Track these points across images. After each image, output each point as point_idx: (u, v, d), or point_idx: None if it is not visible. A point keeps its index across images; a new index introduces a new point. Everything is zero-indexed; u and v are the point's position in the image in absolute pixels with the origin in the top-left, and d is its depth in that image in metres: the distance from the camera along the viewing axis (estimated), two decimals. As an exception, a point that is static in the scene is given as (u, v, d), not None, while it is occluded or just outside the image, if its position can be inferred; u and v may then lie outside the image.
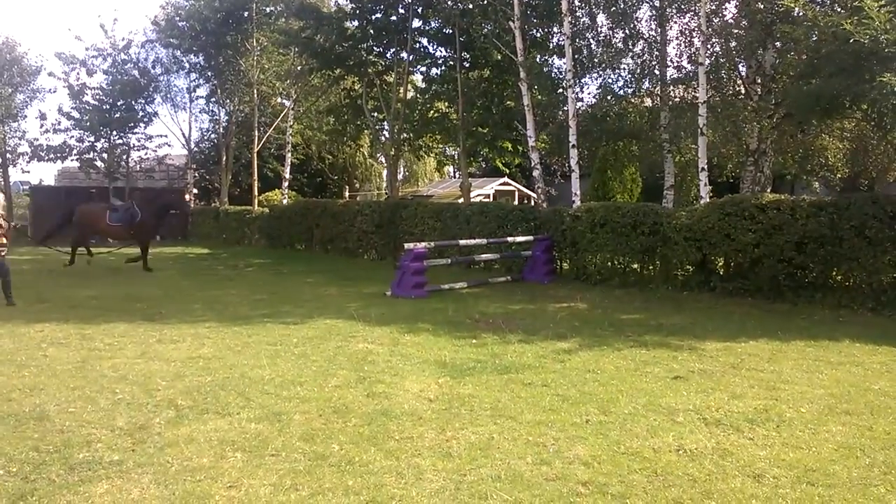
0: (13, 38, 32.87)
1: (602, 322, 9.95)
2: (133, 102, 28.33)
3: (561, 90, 17.28)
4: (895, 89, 9.35)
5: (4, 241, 11.06)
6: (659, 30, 16.20)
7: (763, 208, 11.56)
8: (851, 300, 10.82)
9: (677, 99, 16.40)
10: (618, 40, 16.66)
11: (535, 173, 17.35)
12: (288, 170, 27.06)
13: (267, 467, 4.57)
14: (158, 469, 4.53)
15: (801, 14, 11.21)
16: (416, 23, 21.34)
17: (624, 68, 16.88)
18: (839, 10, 11.08)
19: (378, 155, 36.84)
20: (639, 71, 16.63)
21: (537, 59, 18.65)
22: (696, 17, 14.48)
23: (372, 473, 4.48)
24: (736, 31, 14.03)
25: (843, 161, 16.55)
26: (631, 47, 16.53)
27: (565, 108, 16.60)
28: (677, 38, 16.13)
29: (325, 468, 4.55)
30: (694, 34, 14.92)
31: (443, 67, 22.10)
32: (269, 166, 32.27)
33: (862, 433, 5.26)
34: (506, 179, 35.33)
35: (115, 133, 28.49)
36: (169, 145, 30.94)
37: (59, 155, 28.43)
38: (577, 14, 17.01)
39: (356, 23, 22.07)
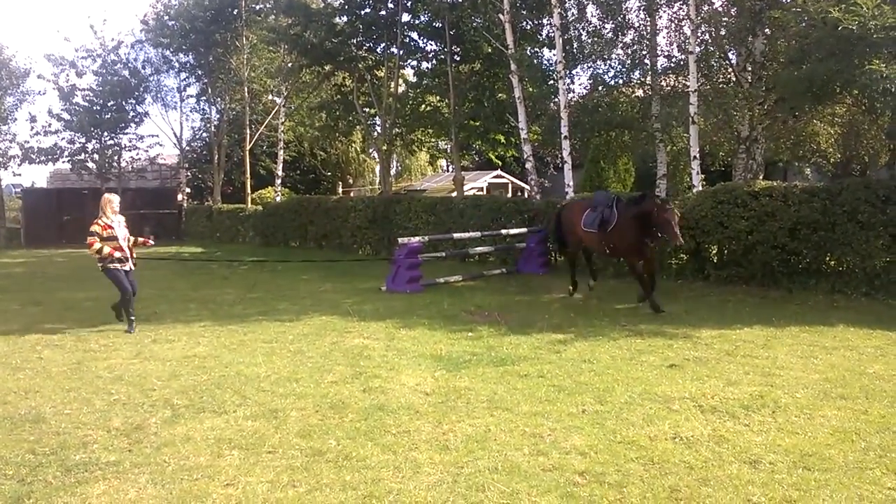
0: (0, 41, 32.68)
1: (597, 312, 9.98)
2: (123, 103, 28.25)
3: (552, 82, 17.25)
4: (884, 75, 9.36)
5: (118, 254, 9.06)
6: (648, 19, 16.18)
7: (756, 195, 11.57)
8: (845, 285, 10.84)
9: (668, 88, 16.39)
10: (608, 31, 16.63)
11: (528, 165, 17.34)
12: (280, 167, 26.98)
13: (264, 464, 4.57)
14: (155, 469, 4.53)
15: (789, 0, 11.21)
16: (406, 17, 21.29)
17: (614, 59, 16.86)
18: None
19: (371, 150, 36.77)
20: (629, 61, 16.60)
21: (528, 52, 18.60)
22: (685, 6, 14.46)
23: (369, 468, 4.48)
24: (725, 18, 14.01)
25: (834, 146, 16.56)
26: (621, 37, 16.50)
27: (557, 100, 16.60)
28: (667, 28, 16.14)
29: (322, 464, 4.56)
30: (683, 23, 14.91)
31: (433, 61, 22.06)
32: (262, 164, 32.18)
33: (857, 417, 5.28)
34: (499, 172, 35.31)
35: (105, 134, 28.42)
36: (160, 145, 30.94)
37: (50, 157, 28.35)
38: (567, 5, 16.99)
39: (345, 18, 21.99)
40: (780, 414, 5.38)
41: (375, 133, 24.32)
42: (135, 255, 9.49)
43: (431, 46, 21.99)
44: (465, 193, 20.42)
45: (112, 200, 9.25)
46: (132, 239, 9.46)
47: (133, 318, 9.16)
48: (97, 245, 8.95)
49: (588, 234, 11.25)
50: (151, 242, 9.87)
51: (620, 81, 17.16)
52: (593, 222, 11.10)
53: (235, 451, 4.79)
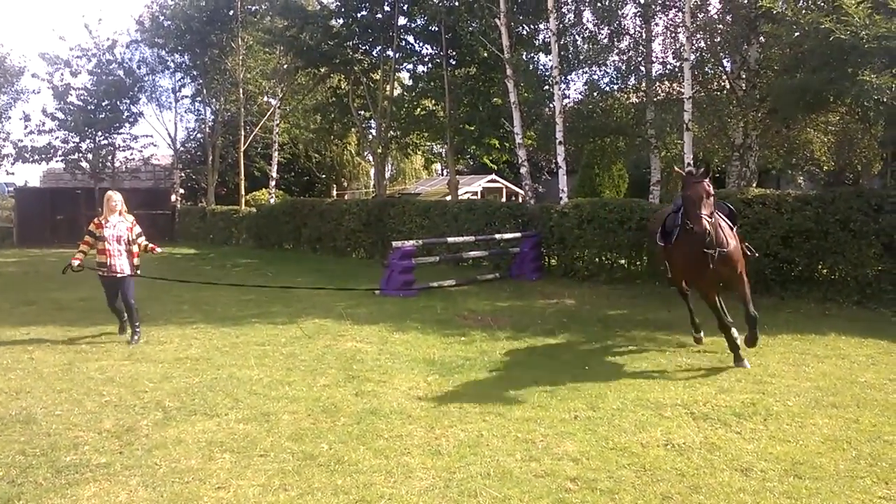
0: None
1: (590, 318, 9.98)
2: (118, 103, 28.20)
3: (547, 87, 17.29)
4: (875, 85, 9.42)
5: (106, 259, 8.41)
6: (644, 26, 16.24)
7: (749, 203, 11.60)
8: (837, 293, 10.87)
9: (662, 95, 16.44)
10: (603, 37, 16.70)
11: (523, 170, 17.35)
12: (275, 169, 26.95)
13: (256, 468, 4.55)
14: (146, 471, 4.51)
15: (782, 10, 11.26)
16: (402, 20, 21.30)
17: (610, 65, 16.93)
18: (821, 2, 11.13)
19: (365, 153, 36.78)
20: (624, 67, 16.67)
21: (524, 56, 18.64)
22: (680, 13, 14.52)
23: (361, 472, 4.47)
24: (720, 26, 14.08)
25: (828, 155, 16.64)
26: (616, 44, 16.56)
27: (552, 105, 16.62)
28: (662, 34, 16.22)
29: (314, 468, 4.55)
30: (679, 30, 14.98)
31: (429, 65, 22.07)
32: (256, 165, 32.14)
33: (848, 426, 5.30)
34: (493, 176, 35.40)
35: (100, 134, 28.36)
36: (155, 145, 30.90)
37: (43, 156, 28.27)
38: (563, 10, 17.04)
39: (341, 21, 22.02)
40: (772, 422, 5.39)
41: (370, 136, 24.32)
42: (136, 263, 8.74)
43: (427, 50, 22.06)
44: (460, 197, 20.44)
45: (111, 198, 8.58)
46: (142, 244, 8.72)
47: (124, 320, 8.96)
48: (81, 247, 8.51)
49: (660, 248, 8.25)
50: (159, 250, 9.44)
51: (615, 87, 17.23)
52: (660, 233, 8.07)
53: (227, 455, 4.78)
